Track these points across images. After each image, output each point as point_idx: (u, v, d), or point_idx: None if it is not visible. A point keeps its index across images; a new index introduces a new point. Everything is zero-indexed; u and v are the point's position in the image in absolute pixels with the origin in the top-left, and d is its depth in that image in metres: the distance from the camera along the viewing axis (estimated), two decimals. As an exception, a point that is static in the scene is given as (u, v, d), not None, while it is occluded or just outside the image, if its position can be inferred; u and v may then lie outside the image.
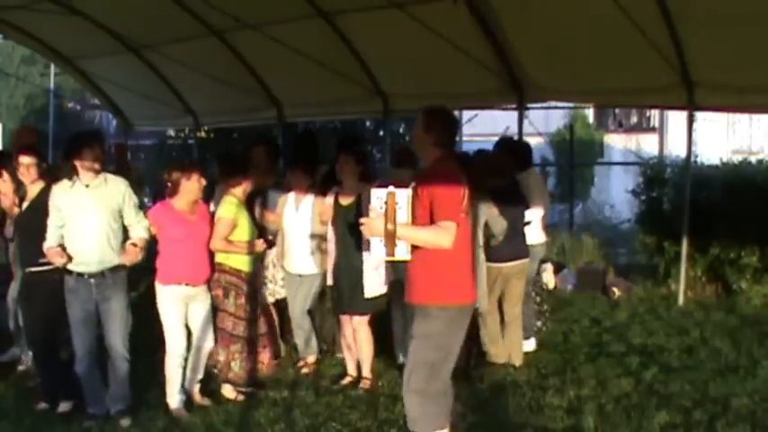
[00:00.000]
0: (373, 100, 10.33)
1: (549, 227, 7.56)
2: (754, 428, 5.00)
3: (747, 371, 6.22)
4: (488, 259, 6.25)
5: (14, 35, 12.13)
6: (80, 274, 5.11)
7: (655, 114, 19.21)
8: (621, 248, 12.00)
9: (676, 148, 12.62)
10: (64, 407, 5.38)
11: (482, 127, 14.40)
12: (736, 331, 7.49)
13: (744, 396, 5.59)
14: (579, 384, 5.95)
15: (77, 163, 5.09)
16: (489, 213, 6.11)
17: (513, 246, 6.39)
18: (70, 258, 5.06)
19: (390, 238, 4.03)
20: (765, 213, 8.59)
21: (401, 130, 17.92)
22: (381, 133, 15.04)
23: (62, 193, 5.14)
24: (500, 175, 6.38)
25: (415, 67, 9.34)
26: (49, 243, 5.08)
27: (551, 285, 9.78)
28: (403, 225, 4.04)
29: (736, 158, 10.12)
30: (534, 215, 6.87)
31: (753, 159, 10.06)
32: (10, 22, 11.08)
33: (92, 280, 5.11)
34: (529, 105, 9.70)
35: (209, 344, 5.61)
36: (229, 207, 5.70)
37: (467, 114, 16.14)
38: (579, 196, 15.83)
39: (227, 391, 5.78)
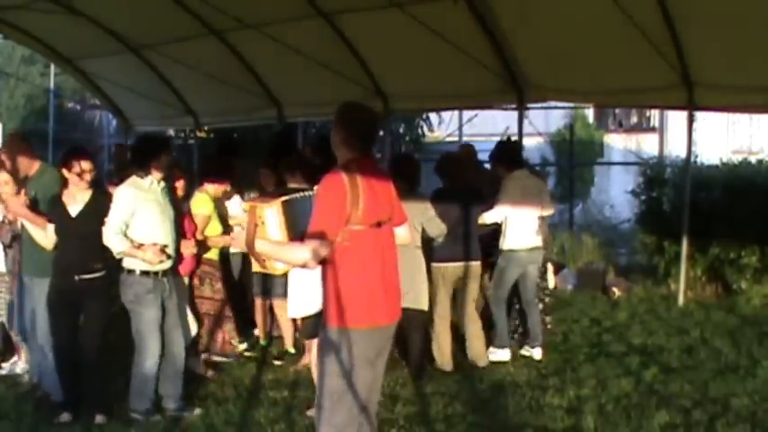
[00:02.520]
0: (373, 100, 10.32)
1: (549, 230, 7.32)
2: (754, 428, 5.00)
3: (747, 371, 6.23)
4: (432, 259, 6.32)
5: (14, 35, 12.11)
6: (156, 274, 5.12)
7: (655, 114, 19.20)
8: (621, 248, 12.02)
9: (676, 148, 12.63)
10: (100, 419, 5.23)
11: (482, 127, 14.42)
12: (736, 331, 7.49)
13: (744, 396, 5.60)
14: (579, 384, 5.95)
15: (155, 165, 5.14)
16: (426, 215, 6.11)
17: (456, 246, 6.38)
18: (169, 256, 5.10)
19: (252, 253, 3.91)
20: (765, 213, 8.60)
21: (401, 130, 17.94)
22: (381, 133, 15.02)
23: (141, 191, 5.12)
24: (455, 177, 6.61)
25: (415, 67, 9.34)
26: (124, 244, 5.01)
27: (551, 285, 9.79)
28: (263, 241, 3.83)
29: (736, 158, 10.12)
30: (516, 218, 6.68)
31: (753, 159, 10.06)
32: (10, 22, 11.06)
33: (165, 279, 5.17)
34: (529, 105, 9.70)
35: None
36: (202, 204, 6.21)
37: (467, 114, 16.17)
38: (579, 196, 15.84)
39: (202, 368, 6.20)
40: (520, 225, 6.69)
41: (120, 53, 11.15)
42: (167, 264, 5.14)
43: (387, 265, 3.77)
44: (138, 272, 5.09)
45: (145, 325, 5.13)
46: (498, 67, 8.94)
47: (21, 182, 5.63)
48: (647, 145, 17.79)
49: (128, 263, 5.11)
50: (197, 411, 5.40)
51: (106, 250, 5.10)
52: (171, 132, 17.27)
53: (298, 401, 5.64)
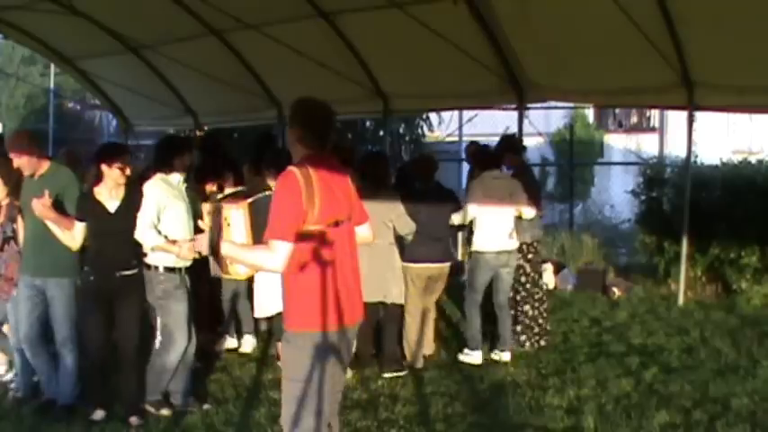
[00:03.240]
0: (373, 100, 10.34)
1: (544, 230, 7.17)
2: (754, 428, 5.00)
3: (747, 371, 6.23)
4: (402, 259, 6.39)
5: (14, 35, 12.13)
6: (179, 270, 5.16)
7: (655, 114, 19.20)
8: (621, 248, 12.02)
9: (676, 148, 12.62)
10: (135, 420, 5.17)
11: (482, 127, 14.40)
12: (736, 331, 7.49)
13: (744, 396, 5.60)
14: (579, 384, 5.95)
15: (178, 161, 5.19)
16: (396, 212, 6.15)
17: (426, 247, 6.39)
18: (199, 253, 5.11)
19: (217, 256, 3.79)
20: (765, 213, 8.60)
21: (401, 130, 17.94)
22: (381, 133, 15.04)
23: (170, 188, 5.16)
24: (426, 178, 6.65)
25: (415, 67, 9.34)
26: (158, 239, 4.99)
27: (551, 285, 9.79)
28: (229, 243, 3.73)
29: (736, 158, 10.12)
30: (484, 219, 6.60)
31: (753, 159, 10.06)
32: (10, 22, 11.08)
33: (186, 275, 5.21)
34: (529, 105, 9.71)
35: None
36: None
37: (467, 114, 16.17)
38: (579, 196, 15.83)
39: None
40: (488, 227, 6.58)
41: (120, 53, 11.17)
42: (190, 260, 5.10)
43: (346, 266, 3.63)
44: (162, 268, 5.10)
45: (174, 320, 5.15)
46: (498, 67, 8.94)
47: (14, 184, 5.49)
48: (647, 145, 17.78)
49: (153, 259, 5.10)
50: (206, 406, 5.41)
51: (138, 246, 5.09)
52: (171, 132, 17.29)
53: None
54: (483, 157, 6.95)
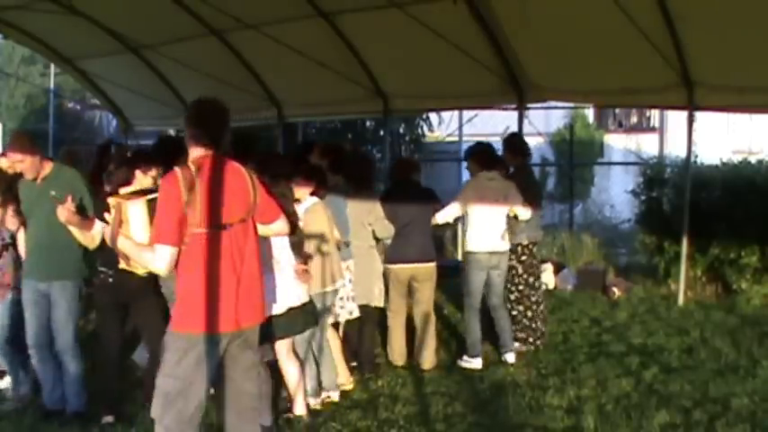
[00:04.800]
0: (373, 100, 10.34)
1: (515, 234, 6.79)
2: (754, 428, 5.00)
3: (747, 371, 6.23)
4: (384, 260, 6.41)
5: (14, 35, 12.13)
6: None
7: (655, 114, 19.21)
8: (621, 248, 12.02)
9: (676, 148, 12.62)
10: (108, 419, 5.17)
11: (482, 127, 14.41)
12: (736, 331, 7.49)
13: (744, 396, 5.60)
14: (579, 384, 5.95)
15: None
16: (374, 215, 6.15)
17: (406, 248, 6.38)
18: None
19: (115, 249, 3.91)
20: (765, 213, 8.59)
21: (401, 130, 17.95)
22: (381, 133, 15.05)
23: None
24: (405, 178, 6.66)
25: (415, 67, 9.35)
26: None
27: (551, 285, 9.80)
28: (123, 238, 3.82)
29: (737, 158, 10.12)
30: (475, 219, 6.55)
31: (753, 159, 10.05)
32: (10, 22, 11.08)
33: None
34: (529, 105, 9.71)
35: None
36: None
37: (467, 114, 16.17)
38: (579, 196, 15.83)
39: None
40: (479, 227, 6.53)
41: (120, 53, 11.16)
42: None
43: (237, 269, 3.61)
44: None
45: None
46: (498, 67, 8.94)
47: (5, 188, 5.45)
48: (647, 145, 17.79)
49: None
50: None
51: None
52: (171, 132, 17.29)
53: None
54: (481, 157, 6.87)
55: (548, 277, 9.82)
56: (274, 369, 5.05)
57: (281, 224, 3.97)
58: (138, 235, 3.91)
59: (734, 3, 6.63)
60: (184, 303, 3.59)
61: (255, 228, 3.79)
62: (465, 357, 6.60)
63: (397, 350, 6.55)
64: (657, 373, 6.20)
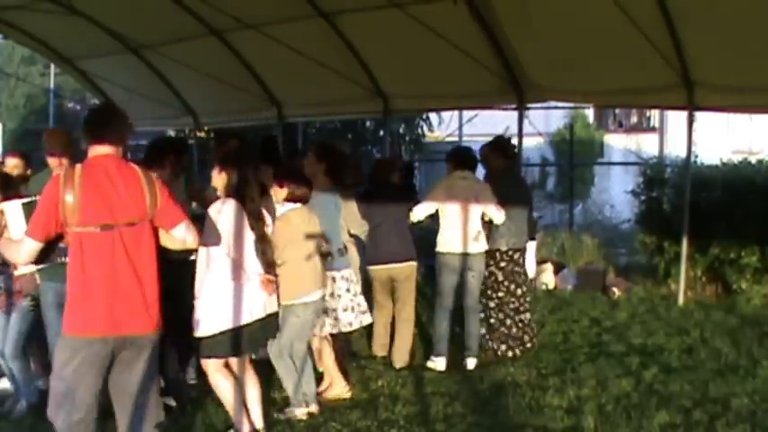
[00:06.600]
0: (373, 100, 10.34)
1: (496, 236, 6.65)
2: (754, 428, 4.99)
3: (747, 371, 6.22)
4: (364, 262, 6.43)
5: (14, 35, 12.14)
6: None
7: (655, 114, 19.23)
8: (621, 248, 12.02)
9: (676, 148, 12.63)
10: None
11: (482, 127, 14.41)
12: (736, 331, 7.49)
13: (744, 396, 5.59)
14: (579, 384, 5.95)
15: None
16: (347, 209, 6.10)
17: (382, 249, 6.37)
18: None
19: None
20: (765, 213, 8.60)
21: (401, 130, 17.96)
22: (381, 133, 15.05)
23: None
24: (381, 178, 6.67)
25: (415, 67, 9.35)
26: None
27: (551, 285, 9.80)
28: (3, 238, 3.94)
29: (737, 158, 10.12)
30: (446, 220, 6.43)
31: (753, 159, 10.06)
32: (10, 22, 11.08)
33: None
34: (529, 105, 9.72)
35: None
36: None
37: (467, 114, 16.19)
38: (579, 196, 15.84)
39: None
40: (450, 228, 6.41)
41: (120, 53, 11.17)
42: None
43: (121, 271, 3.57)
44: None
45: None
46: (498, 68, 8.95)
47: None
48: (647, 145, 17.81)
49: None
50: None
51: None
52: (171, 132, 17.31)
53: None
54: (456, 157, 6.74)
55: (548, 277, 9.83)
56: (266, 368, 5.03)
57: (183, 231, 3.78)
58: (17, 236, 3.95)
59: (734, 3, 6.63)
60: (69, 305, 3.62)
61: (155, 233, 3.72)
62: (431, 357, 6.52)
63: (379, 342, 6.67)
64: (657, 373, 6.20)
